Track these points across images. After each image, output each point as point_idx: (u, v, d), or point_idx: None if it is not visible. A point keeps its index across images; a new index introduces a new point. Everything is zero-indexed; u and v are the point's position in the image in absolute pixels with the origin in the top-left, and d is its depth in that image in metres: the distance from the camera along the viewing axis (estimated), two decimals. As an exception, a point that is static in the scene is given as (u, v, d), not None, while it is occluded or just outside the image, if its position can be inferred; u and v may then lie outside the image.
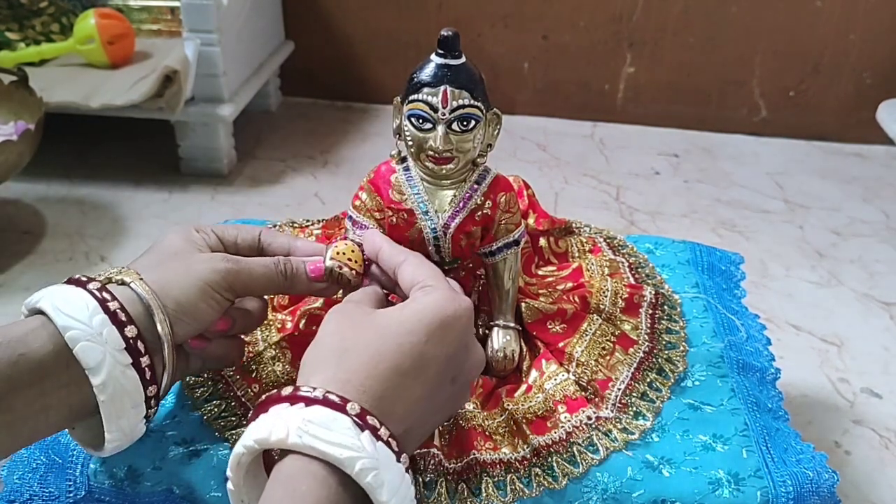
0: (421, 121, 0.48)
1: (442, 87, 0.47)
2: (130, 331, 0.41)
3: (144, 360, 0.42)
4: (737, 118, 1.43)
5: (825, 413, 0.79)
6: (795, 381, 0.82)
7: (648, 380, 0.54)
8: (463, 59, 0.48)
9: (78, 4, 1.30)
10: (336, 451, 0.35)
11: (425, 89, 0.48)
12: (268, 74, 1.35)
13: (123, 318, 0.41)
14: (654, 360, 0.56)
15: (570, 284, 0.61)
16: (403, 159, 0.53)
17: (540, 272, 0.63)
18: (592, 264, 0.63)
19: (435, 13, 1.42)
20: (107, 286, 0.43)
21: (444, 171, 0.50)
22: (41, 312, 0.42)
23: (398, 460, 0.37)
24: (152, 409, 0.44)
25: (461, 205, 0.52)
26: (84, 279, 0.43)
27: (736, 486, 0.48)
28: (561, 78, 1.45)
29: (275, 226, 0.69)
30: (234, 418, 0.51)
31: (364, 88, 1.51)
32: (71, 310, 0.41)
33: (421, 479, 0.47)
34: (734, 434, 0.51)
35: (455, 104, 0.48)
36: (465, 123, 0.48)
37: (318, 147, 1.35)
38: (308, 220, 0.70)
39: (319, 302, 0.57)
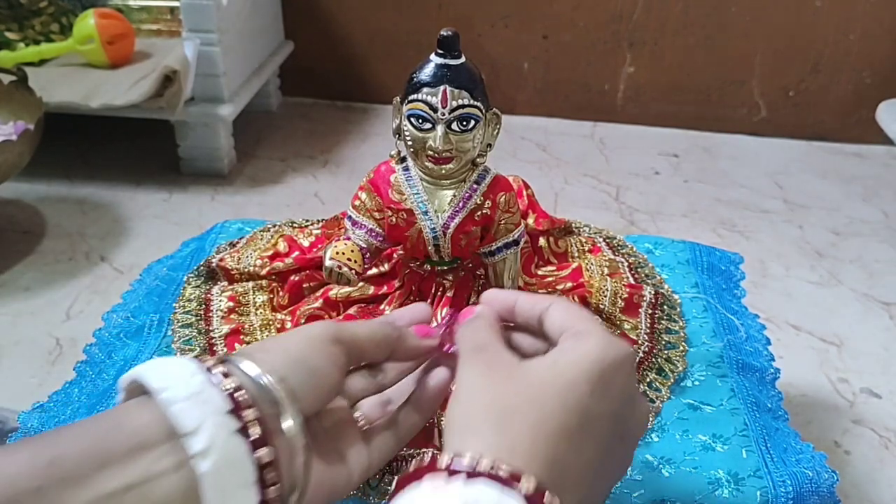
0: (420, 121, 0.48)
1: (441, 87, 0.47)
2: (229, 384, 0.34)
3: (248, 414, 0.33)
4: (737, 118, 1.43)
5: (825, 413, 0.79)
6: (795, 381, 0.82)
7: (648, 380, 0.54)
8: (463, 59, 0.48)
9: (78, 4, 1.30)
10: None
11: (425, 89, 0.48)
12: (268, 74, 1.35)
13: (222, 376, 0.34)
14: (653, 360, 0.56)
15: (569, 284, 0.61)
16: (403, 159, 0.53)
17: (540, 272, 0.63)
18: (592, 264, 0.63)
19: (435, 13, 1.43)
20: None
21: (443, 171, 0.50)
22: (138, 388, 0.35)
23: None
24: (272, 491, 0.33)
25: (461, 205, 0.52)
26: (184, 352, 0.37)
27: (735, 485, 0.48)
28: (561, 78, 1.45)
29: (274, 226, 0.69)
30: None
31: (364, 88, 1.52)
32: (168, 371, 0.34)
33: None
34: (734, 434, 0.51)
35: (455, 104, 0.48)
36: (464, 123, 0.48)
37: (318, 147, 1.35)
38: (308, 220, 0.70)
39: (319, 302, 0.57)
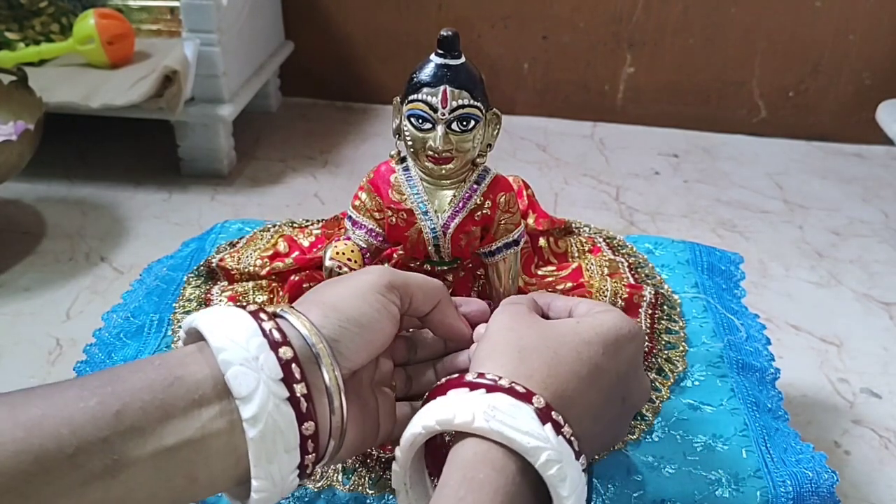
0: (420, 121, 0.48)
1: (441, 87, 0.47)
2: (285, 352, 0.35)
3: (299, 388, 0.35)
4: (736, 118, 1.43)
5: (825, 413, 0.79)
6: (795, 381, 0.82)
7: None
8: (463, 60, 0.48)
9: (78, 4, 1.30)
10: (523, 440, 0.34)
11: (425, 89, 0.48)
12: (268, 74, 1.35)
13: (278, 338, 0.36)
14: (653, 359, 0.56)
15: (570, 284, 0.61)
16: (403, 159, 0.53)
17: (540, 272, 0.63)
18: (592, 264, 0.63)
19: (435, 13, 1.43)
20: (264, 311, 0.38)
21: (443, 171, 0.50)
22: (199, 335, 0.37)
23: (577, 459, 0.36)
24: (309, 457, 0.36)
25: (461, 205, 0.52)
26: (243, 304, 0.39)
27: (735, 486, 0.48)
28: (561, 78, 1.46)
29: (274, 226, 0.69)
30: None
31: (364, 88, 1.52)
32: (228, 329, 0.35)
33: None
34: (734, 434, 0.51)
35: (455, 104, 0.48)
36: (464, 123, 0.48)
37: (317, 147, 1.35)
38: (308, 221, 0.70)
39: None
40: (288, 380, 0.35)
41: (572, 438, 0.36)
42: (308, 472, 0.37)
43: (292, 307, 0.39)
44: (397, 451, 0.38)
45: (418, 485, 0.39)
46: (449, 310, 0.45)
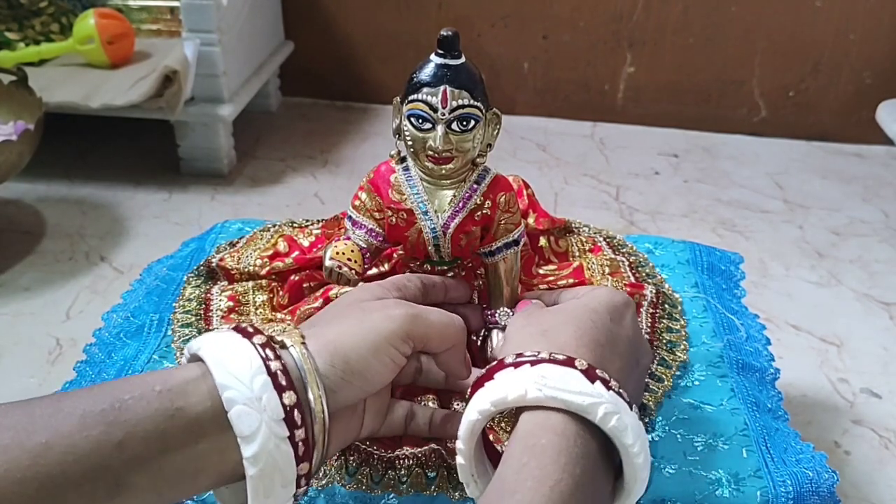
0: (420, 121, 0.48)
1: (441, 87, 0.47)
2: (289, 397, 0.36)
3: (299, 434, 0.36)
4: (737, 118, 1.43)
5: (825, 413, 0.79)
6: (795, 381, 0.82)
7: (649, 374, 0.54)
8: (463, 59, 0.48)
9: (78, 4, 1.30)
10: (579, 399, 0.35)
11: (425, 89, 0.48)
12: (268, 74, 1.35)
13: (283, 383, 0.36)
14: (655, 356, 0.56)
15: (571, 282, 0.61)
16: (403, 159, 0.53)
17: (541, 271, 0.63)
18: (593, 263, 0.63)
19: (435, 13, 1.43)
20: (272, 343, 0.38)
21: (443, 171, 0.50)
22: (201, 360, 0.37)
23: (630, 409, 0.37)
24: (301, 489, 0.37)
25: (461, 205, 0.51)
26: (250, 330, 0.38)
27: (736, 485, 0.47)
28: (561, 78, 1.46)
29: (274, 226, 0.69)
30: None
31: (364, 88, 1.52)
32: (233, 365, 0.36)
33: (424, 471, 0.47)
34: (734, 434, 0.51)
35: (455, 104, 0.48)
36: (464, 123, 0.48)
37: (317, 147, 1.35)
38: (308, 220, 0.70)
39: (319, 302, 0.57)
40: (289, 422, 0.35)
41: (621, 391, 0.37)
42: (298, 498, 0.38)
43: (302, 339, 0.38)
44: (458, 444, 0.38)
45: (484, 476, 0.40)
46: (459, 354, 0.45)
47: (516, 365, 0.38)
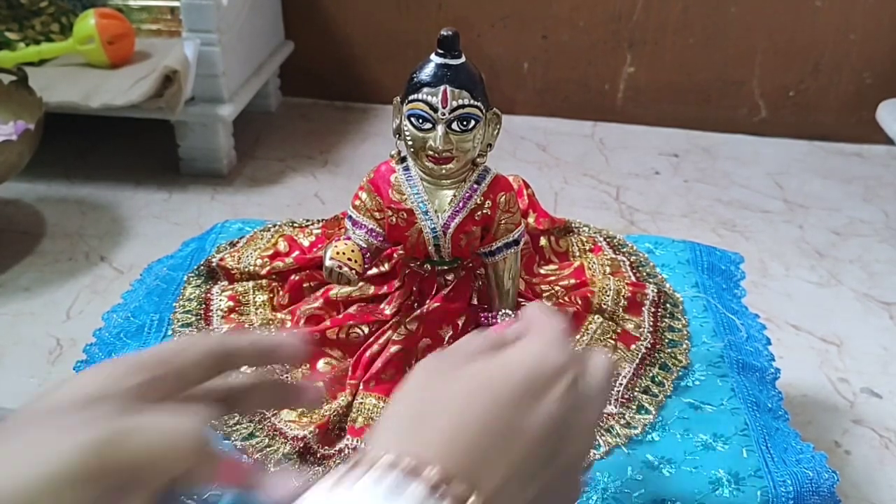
0: (421, 121, 0.48)
1: (442, 87, 0.47)
2: None
3: None
4: (737, 118, 1.43)
5: (825, 413, 0.79)
6: (795, 381, 0.82)
7: (651, 374, 0.54)
8: (463, 59, 0.48)
9: (78, 4, 1.30)
10: None
11: (425, 89, 0.48)
12: (268, 74, 1.35)
13: None
14: (656, 355, 0.56)
15: (573, 281, 0.61)
16: (403, 159, 0.53)
17: (542, 271, 0.63)
18: (594, 263, 0.63)
19: (435, 13, 1.42)
20: None
21: (443, 171, 0.50)
22: None
23: None
24: None
25: (461, 205, 0.51)
26: None
27: (736, 485, 0.47)
28: (561, 78, 1.45)
29: (274, 226, 0.69)
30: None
31: (364, 88, 1.51)
32: None
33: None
34: (734, 434, 0.51)
35: (455, 104, 0.48)
36: (464, 123, 0.48)
37: (317, 147, 1.35)
38: (308, 220, 0.70)
39: (319, 302, 0.57)
40: None
41: None
42: None
43: None
44: None
45: None
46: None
47: (340, 479, 0.29)
